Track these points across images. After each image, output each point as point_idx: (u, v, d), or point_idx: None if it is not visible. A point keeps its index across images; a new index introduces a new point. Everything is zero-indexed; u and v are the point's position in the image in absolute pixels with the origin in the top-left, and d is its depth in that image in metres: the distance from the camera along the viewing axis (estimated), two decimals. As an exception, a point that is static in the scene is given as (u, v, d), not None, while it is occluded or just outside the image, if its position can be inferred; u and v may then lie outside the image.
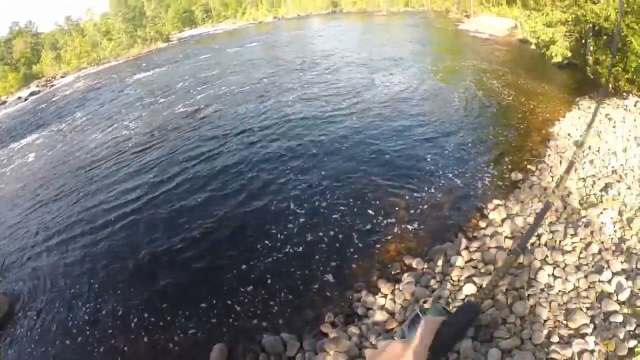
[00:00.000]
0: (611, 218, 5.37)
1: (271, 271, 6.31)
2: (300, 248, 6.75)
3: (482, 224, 6.32)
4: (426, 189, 7.77)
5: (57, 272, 7.62)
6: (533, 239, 5.43)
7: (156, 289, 6.48)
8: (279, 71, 20.84)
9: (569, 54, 11.48)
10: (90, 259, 7.73)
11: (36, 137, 20.13)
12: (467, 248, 5.64)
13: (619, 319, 3.78)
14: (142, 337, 5.62)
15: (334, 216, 7.41)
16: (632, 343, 3.47)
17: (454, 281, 5.08)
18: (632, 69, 8.69)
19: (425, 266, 5.62)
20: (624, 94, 9.40)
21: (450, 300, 4.75)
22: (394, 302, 5.03)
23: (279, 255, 6.66)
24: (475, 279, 4.90)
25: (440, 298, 4.79)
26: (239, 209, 8.17)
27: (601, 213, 5.49)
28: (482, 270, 5.08)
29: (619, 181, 6.20)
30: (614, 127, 8.11)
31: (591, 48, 9.67)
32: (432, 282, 5.18)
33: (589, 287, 4.35)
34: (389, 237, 6.58)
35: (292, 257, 6.59)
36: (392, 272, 5.78)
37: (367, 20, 43.97)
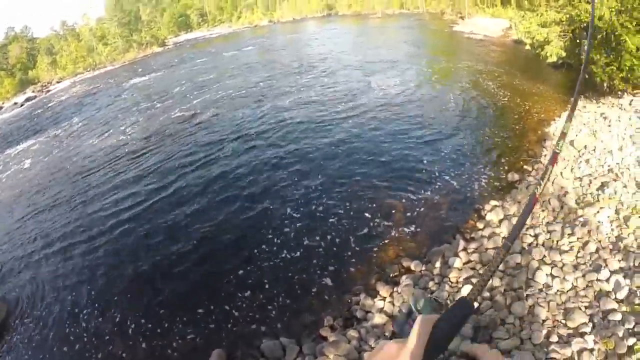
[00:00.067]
0: (608, 217, 5.38)
1: (269, 276, 6.29)
2: (298, 253, 6.72)
3: (480, 225, 6.33)
4: (423, 191, 7.77)
5: (55, 278, 7.58)
6: (530, 239, 5.44)
7: (154, 295, 6.45)
8: (276, 75, 20.86)
9: (564, 54, 11.55)
10: (88, 265, 7.70)
11: (32, 143, 20.05)
12: (464, 249, 5.64)
13: (618, 317, 3.79)
14: (141, 343, 5.58)
15: (330, 220, 7.40)
16: (632, 341, 3.48)
17: (452, 283, 5.08)
18: (627, 68, 8.74)
19: (424, 268, 5.62)
20: (619, 92, 9.45)
21: (449, 302, 4.75)
22: (393, 304, 5.03)
23: (276, 260, 6.64)
24: (473, 280, 4.91)
25: (438, 299, 4.79)
26: (236, 215, 8.15)
27: (598, 212, 5.51)
28: (480, 272, 5.08)
29: (615, 180, 6.22)
30: (609, 126, 8.15)
31: (585, 47, 9.71)
32: (431, 284, 5.18)
33: (587, 286, 4.36)
34: (386, 240, 6.58)
35: (289, 261, 6.57)
36: (391, 275, 5.77)
37: (362, 23, 44.11)
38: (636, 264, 4.38)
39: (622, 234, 5.04)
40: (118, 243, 8.13)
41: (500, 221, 6.06)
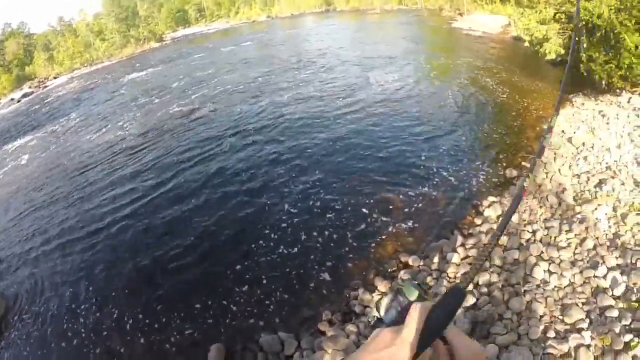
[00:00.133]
0: (605, 214, 5.41)
1: (266, 271, 6.30)
2: (295, 249, 6.73)
3: (478, 221, 6.35)
4: (421, 186, 7.78)
5: (53, 274, 7.58)
6: (528, 235, 5.47)
7: (152, 290, 6.45)
8: (274, 70, 20.79)
9: (563, 51, 11.52)
10: (86, 261, 7.69)
11: (30, 138, 19.98)
12: (462, 245, 5.67)
13: (615, 313, 3.81)
14: (139, 339, 5.60)
15: (328, 215, 7.40)
16: (628, 337, 3.50)
17: (450, 278, 5.10)
18: (625, 66, 8.73)
19: (422, 263, 5.65)
20: (617, 90, 9.44)
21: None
22: (389, 292, 5.03)
23: (273, 255, 6.65)
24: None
25: (437, 295, 4.81)
26: (234, 210, 8.15)
27: (595, 209, 5.53)
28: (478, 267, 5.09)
29: (613, 177, 6.24)
30: (607, 123, 8.16)
31: (584, 45, 9.71)
32: (429, 279, 5.20)
33: (584, 282, 4.38)
34: (384, 235, 6.59)
35: (287, 257, 6.59)
36: (389, 270, 5.79)
37: (360, 19, 43.98)
38: (633, 261, 4.41)
39: (619, 231, 5.06)
40: (116, 239, 8.12)
41: (498, 217, 6.09)
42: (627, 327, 3.64)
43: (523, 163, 7.89)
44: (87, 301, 6.61)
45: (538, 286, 4.49)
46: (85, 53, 56.91)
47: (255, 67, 22.53)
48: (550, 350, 3.60)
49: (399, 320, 0.78)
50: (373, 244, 6.45)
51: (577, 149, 7.56)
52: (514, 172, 7.55)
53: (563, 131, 8.40)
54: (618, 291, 4.09)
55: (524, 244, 5.28)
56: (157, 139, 13.32)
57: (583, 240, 5.03)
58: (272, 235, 7.13)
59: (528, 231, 5.52)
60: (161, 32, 65.51)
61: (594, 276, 4.37)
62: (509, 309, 4.26)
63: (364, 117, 11.67)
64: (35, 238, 9.13)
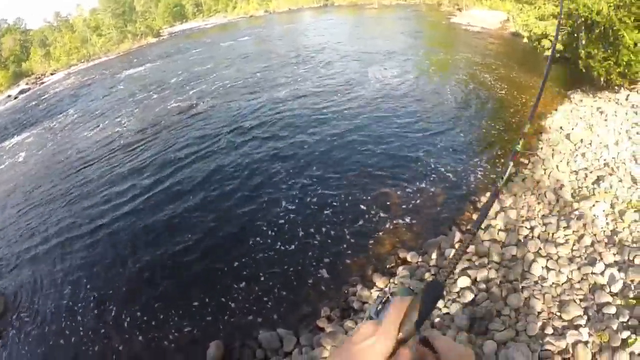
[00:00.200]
0: (603, 211, 5.42)
1: (265, 268, 6.31)
2: (293, 245, 6.75)
3: (476, 217, 6.35)
4: (419, 183, 7.79)
5: (51, 272, 7.57)
6: (526, 232, 5.49)
7: (151, 288, 6.46)
8: (272, 65, 20.71)
9: (562, 48, 11.54)
10: (83, 259, 7.69)
11: (27, 135, 19.90)
12: (460, 241, 5.67)
13: (612, 310, 3.83)
14: (138, 336, 5.61)
15: (326, 212, 7.41)
16: (625, 334, 3.52)
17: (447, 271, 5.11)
18: (624, 63, 8.74)
19: (420, 259, 5.66)
20: (616, 87, 9.46)
21: (445, 293, 4.79)
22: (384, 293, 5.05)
23: (271, 252, 6.66)
24: (469, 271, 4.94)
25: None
26: (231, 207, 8.14)
27: (593, 206, 5.55)
28: (477, 263, 5.12)
29: (610, 174, 6.26)
30: (605, 120, 8.17)
31: (583, 42, 9.72)
32: (427, 275, 5.22)
33: (582, 279, 4.40)
34: (383, 232, 6.61)
35: (285, 253, 6.60)
36: (387, 266, 5.81)
37: (358, 14, 43.79)
38: (631, 258, 4.43)
39: (617, 227, 5.08)
40: (114, 237, 8.11)
41: (497, 213, 6.09)
42: (624, 324, 3.65)
43: (521, 159, 7.89)
44: (85, 298, 6.61)
45: (536, 283, 4.50)
46: (82, 49, 56.58)
47: (253, 63, 22.44)
48: (548, 347, 3.62)
49: None
50: (371, 240, 6.46)
51: (575, 145, 7.57)
52: (512, 169, 7.55)
53: (561, 127, 8.42)
54: (615, 288, 4.11)
55: (522, 241, 5.30)
56: (155, 135, 13.28)
57: (581, 237, 5.05)
58: (270, 232, 7.13)
59: (526, 227, 5.54)
60: (158, 27, 65.11)
61: (592, 273, 4.39)
62: (507, 306, 4.28)
63: (363, 113, 11.65)
64: (33, 236, 9.11)
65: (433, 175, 7.99)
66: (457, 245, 5.55)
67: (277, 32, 37.77)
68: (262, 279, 6.10)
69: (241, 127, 12.28)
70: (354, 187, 7.96)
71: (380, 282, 5.37)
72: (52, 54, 57.26)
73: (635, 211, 5.21)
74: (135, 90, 22.31)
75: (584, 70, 9.71)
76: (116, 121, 16.67)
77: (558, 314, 4.02)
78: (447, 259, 5.39)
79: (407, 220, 6.80)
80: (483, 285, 4.68)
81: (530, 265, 4.72)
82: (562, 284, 4.42)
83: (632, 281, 4.12)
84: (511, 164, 1.26)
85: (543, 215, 5.76)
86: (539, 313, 4.09)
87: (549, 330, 3.83)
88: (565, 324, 3.88)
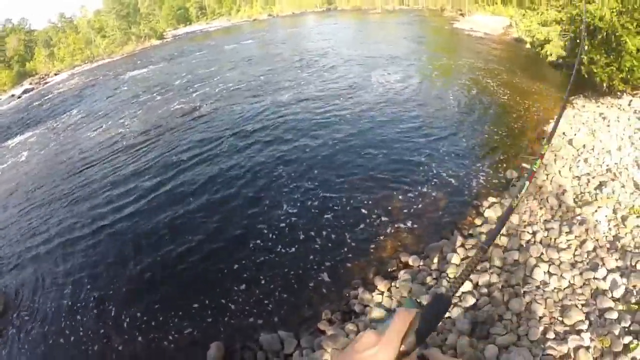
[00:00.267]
0: (606, 216, 5.42)
1: (266, 270, 6.31)
2: (295, 248, 6.73)
3: (478, 222, 6.37)
4: (421, 187, 7.79)
5: (52, 272, 7.58)
6: (528, 237, 5.49)
7: (151, 289, 6.47)
8: (276, 69, 20.77)
9: (564, 53, 11.56)
10: (85, 259, 7.70)
11: (30, 135, 19.96)
12: (462, 245, 5.68)
13: (614, 315, 3.83)
14: (138, 337, 5.60)
15: (328, 215, 7.41)
16: (627, 339, 3.52)
17: (450, 279, 5.11)
18: (626, 69, 8.76)
19: (422, 263, 5.66)
20: (618, 93, 9.46)
21: (450, 308, 4.79)
22: (391, 299, 5.06)
23: (273, 255, 6.65)
24: (471, 275, 4.94)
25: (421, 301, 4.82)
26: (232, 210, 8.14)
27: (596, 211, 5.55)
28: (478, 268, 5.11)
29: (613, 179, 6.26)
30: (608, 125, 8.18)
31: (586, 47, 9.73)
32: (429, 279, 5.22)
33: (584, 284, 4.40)
34: (384, 235, 6.60)
35: (286, 256, 6.59)
36: (389, 270, 5.81)
37: (362, 18, 43.91)
38: (633, 264, 4.43)
39: (619, 233, 5.08)
40: (115, 238, 8.12)
41: (499, 218, 6.09)
42: (626, 329, 3.65)
43: (524, 164, 7.86)
44: (86, 298, 6.62)
45: (538, 287, 4.50)
46: (86, 50, 56.85)
47: (256, 66, 22.51)
48: (549, 352, 3.61)
49: None
50: (373, 244, 6.46)
51: (577, 150, 7.57)
52: (514, 174, 7.56)
53: (564, 133, 8.41)
54: (617, 293, 4.11)
55: (524, 245, 5.30)
56: (158, 137, 13.31)
57: (583, 242, 5.05)
58: (272, 235, 7.13)
59: (528, 232, 5.54)
60: (162, 30, 65.34)
61: (594, 278, 4.39)
62: (508, 310, 4.27)
63: (365, 118, 11.67)
64: (35, 235, 9.13)
65: (435, 180, 7.99)
66: (460, 251, 5.55)
67: (281, 36, 37.90)
68: (263, 281, 6.10)
69: (244, 130, 12.31)
70: (355, 191, 7.96)
71: (381, 285, 5.37)
72: (56, 55, 57.52)
73: (637, 217, 5.21)
74: (138, 91, 22.38)
75: (586, 76, 9.71)
76: (119, 122, 16.72)
77: (560, 318, 4.01)
78: (448, 262, 5.39)
79: (409, 224, 6.80)
80: (485, 290, 4.68)
81: (532, 270, 4.72)
82: (564, 289, 4.42)
83: (634, 286, 4.12)
84: (527, 183, 1.26)
85: (545, 220, 5.76)
86: (541, 318, 4.09)
87: (551, 335, 3.83)
88: (567, 328, 3.88)
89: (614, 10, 8.78)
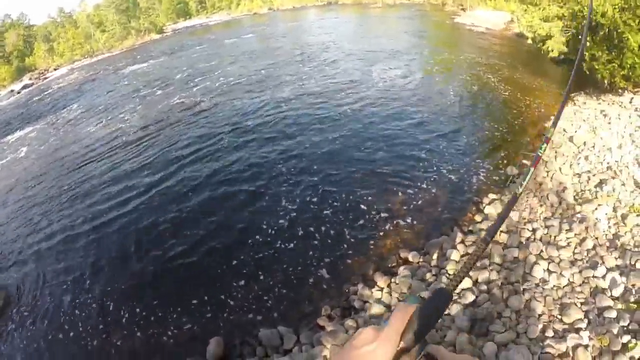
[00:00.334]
0: (606, 214, 5.41)
1: (266, 266, 6.32)
2: (295, 244, 6.74)
3: (478, 218, 6.37)
4: (421, 183, 7.78)
5: (51, 268, 7.60)
6: (528, 234, 5.48)
7: (151, 285, 6.48)
8: (276, 63, 20.70)
9: (566, 50, 11.49)
10: (84, 255, 7.71)
11: (30, 130, 19.94)
12: (462, 242, 5.68)
13: (613, 314, 3.83)
14: (138, 332, 5.62)
15: (327, 211, 7.41)
16: (626, 338, 3.52)
17: (449, 275, 5.12)
18: (628, 66, 8.71)
19: (421, 259, 5.66)
20: (620, 90, 9.43)
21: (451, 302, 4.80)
22: (391, 295, 5.07)
23: (271, 251, 6.66)
24: (470, 272, 4.93)
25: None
26: (231, 205, 8.15)
27: (596, 209, 5.54)
28: (478, 264, 5.11)
29: (613, 177, 6.24)
30: (609, 123, 8.15)
31: (587, 44, 9.68)
32: (428, 275, 5.22)
33: (583, 282, 4.40)
34: (384, 231, 6.61)
35: (286, 252, 6.60)
36: (388, 266, 5.82)
37: (363, 13, 43.71)
38: (632, 262, 4.42)
39: (619, 231, 5.07)
40: (115, 234, 8.12)
41: (499, 215, 6.06)
42: (625, 328, 3.65)
43: (524, 161, 7.89)
44: (85, 294, 6.63)
45: (537, 285, 4.50)
46: (85, 44, 56.65)
47: (257, 60, 22.44)
48: (548, 350, 3.62)
49: None
50: (372, 240, 6.47)
51: (578, 148, 7.55)
52: (515, 170, 7.55)
53: (564, 130, 8.39)
54: (617, 292, 4.11)
55: (524, 243, 5.29)
56: (158, 132, 13.29)
57: (583, 240, 5.04)
58: (271, 231, 7.13)
59: (528, 229, 5.53)
60: (162, 24, 65.18)
61: (593, 276, 4.39)
62: (508, 307, 4.28)
63: (366, 113, 11.64)
64: (34, 231, 9.15)
65: (435, 176, 7.98)
66: (459, 247, 5.55)
67: (281, 30, 37.74)
68: (263, 277, 6.11)
69: (244, 125, 12.29)
70: (355, 186, 7.96)
71: (381, 281, 5.38)
72: (55, 50, 57.34)
73: (637, 215, 5.20)
74: (139, 86, 22.34)
75: (587, 73, 9.67)
76: (120, 117, 16.69)
77: (559, 316, 4.02)
78: (447, 259, 5.39)
79: (409, 220, 6.80)
80: (484, 287, 4.68)
81: (532, 268, 4.72)
82: (564, 286, 4.42)
83: (633, 285, 4.12)
84: (532, 169, 1.21)
85: (545, 218, 5.75)
86: (540, 315, 4.09)
87: (550, 333, 3.83)
88: (566, 327, 3.88)
89: (617, 6, 8.72)
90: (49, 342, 5.89)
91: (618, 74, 9.00)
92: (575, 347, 3.57)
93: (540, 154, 1.33)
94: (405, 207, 7.15)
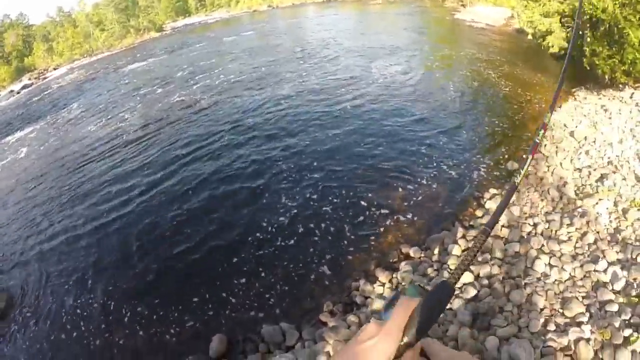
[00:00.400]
0: (607, 208, 5.42)
1: (266, 264, 6.32)
2: (296, 241, 6.74)
3: (479, 213, 6.38)
4: (421, 179, 7.78)
5: (52, 268, 7.61)
6: (529, 228, 5.49)
7: (152, 283, 6.49)
8: (276, 60, 20.67)
9: (566, 45, 11.46)
10: (85, 255, 7.72)
11: (29, 131, 19.92)
12: (464, 236, 5.68)
13: (615, 308, 3.83)
14: (140, 331, 5.63)
15: (328, 207, 7.40)
16: (627, 332, 3.52)
17: (451, 269, 5.13)
18: (629, 61, 8.70)
19: (423, 255, 5.68)
20: (620, 85, 9.42)
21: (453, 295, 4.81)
22: (392, 290, 5.08)
23: (271, 248, 6.66)
24: (472, 267, 4.95)
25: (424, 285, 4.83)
26: (231, 203, 8.14)
27: (597, 203, 5.54)
28: (479, 259, 5.12)
29: (614, 172, 6.24)
30: (609, 118, 8.15)
31: (588, 39, 9.66)
32: (430, 270, 5.23)
33: (584, 276, 4.40)
34: (385, 227, 6.61)
35: (287, 249, 6.60)
36: (390, 261, 5.82)
37: (362, 9, 43.57)
38: (634, 256, 4.43)
39: (620, 226, 5.08)
40: (116, 234, 8.12)
41: (498, 205, 6.06)
42: (626, 322, 3.66)
43: (524, 156, 7.86)
44: (87, 294, 6.64)
45: (539, 279, 4.51)
46: (84, 44, 56.59)
47: (257, 58, 22.40)
48: (550, 343, 3.62)
49: None
50: (374, 236, 6.47)
51: (579, 143, 7.56)
52: (516, 165, 7.55)
53: (565, 125, 8.39)
54: (618, 286, 4.11)
55: (525, 237, 5.30)
56: (159, 131, 13.29)
57: (584, 234, 5.05)
58: (272, 228, 7.13)
59: (529, 224, 5.54)
60: (161, 22, 65.04)
61: (595, 270, 4.39)
62: (509, 302, 4.28)
63: (366, 109, 11.63)
64: (35, 232, 9.14)
65: (436, 171, 7.98)
66: (461, 242, 5.56)
67: (281, 27, 37.69)
68: (265, 274, 6.12)
69: (244, 122, 12.28)
70: (356, 183, 7.96)
71: (383, 276, 5.39)
72: (55, 49, 57.29)
73: (638, 209, 5.20)
74: (138, 84, 22.31)
75: (588, 68, 9.65)
76: (120, 116, 16.68)
77: (560, 310, 4.02)
78: (449, 254, 5.40)
79: (410, 215, 6.81)
80: (486, 281, 4.69)
81: (533, 262, 4.73)
82: (565, 281, 4.43)
83: (634, 279, 4.12)
84: (530, 157, 1.22)
85: (546, 212, 5.76)
86: (542, 310, 4.10)
87: (551, 327, 3.84)
88: (568, 320, 3.89)
89: (617, 2, 8.70)
90: (51, 342, 5.90)
91: (619, 69, 8.99)
92: (577, 341, 3.58)
93: (537, 141, 1.34)
94: (406, 203, 7.16)
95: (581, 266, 4.50)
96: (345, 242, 6.48)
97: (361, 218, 6.95)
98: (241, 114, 13.15)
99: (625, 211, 5.26)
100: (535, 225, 5.48)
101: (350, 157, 9.00)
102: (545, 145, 7.87)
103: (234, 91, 16.12)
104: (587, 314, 3.88)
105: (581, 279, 4.37)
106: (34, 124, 21.02)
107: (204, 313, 5.66)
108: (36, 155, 15.15)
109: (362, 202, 7.34)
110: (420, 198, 7.24)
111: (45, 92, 31.30)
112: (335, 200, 7.56)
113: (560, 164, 6.94)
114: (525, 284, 4.46)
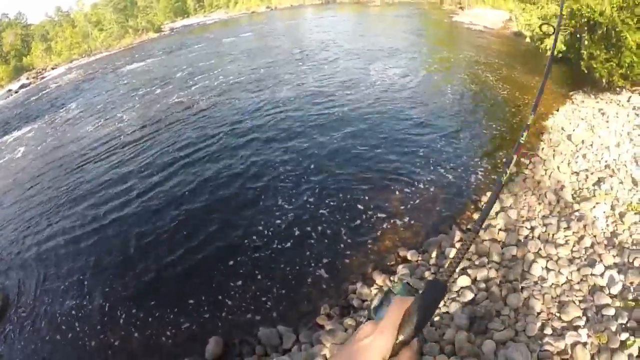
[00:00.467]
0: (604, 212, 5.43)
1: (263, 267, 6.31)
2: (293, 244, 6.73)
3: (476, 217, 6.33)
4: (419, 182, 7.79)
5: (49, 269, 7.57)
6: (526, 232, 5.50)
7: (149, 285, 6.47)
8: (275, 62, 20.68)
9: (564, 48, 11.51)
10: (82, 256, 7.68)
11: (27, 130, 19.86)
12: (461, 240, 5.69)
13: (611, 312, 3.85)
14: (137, 333, 5.61)
15: (325, 211, 7.40)
16: (624, 336, 3.53)
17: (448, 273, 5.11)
18: (626, 65, 8.74)
19: (420, 258, 5.67)
20: (618, 89, 9.45)
21: (446, 293, 4.81)
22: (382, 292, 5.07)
23: (268, 251, 6.65)
24: (469, 270, 4.96)
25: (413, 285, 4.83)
26: (228, 205, 8.13)
27: (594, 207, 5.56)
28: (477, 263, 5.13)
29: (611, 176, 6.26)
30: (607, 121, 8.17)
31: (586, 42, 9.70)
32: (427, 273, 5.23)
33: (581, 280, 4.41)
34: (383, 230, 6.61)
35: (284, 252, 6.59)
36: (387, 264, 5.83)
37: (361, 11, 43.69)
38: (630, 260, 4.44)
39: (617, 229, 5.09)
40: (112, 235, 8.09)
41: (497, 213, 6.10)
42: (623, 326, 3.67)
43: (522, 159, 7.90)
44: (84, 295, 6.61)
45: (536, 283, 4.52)
46: (83, 43, 56.49)
47: (255, 59, 22.40)
48: (547, 347, 3.63)
49: None
50: (371, 239, 6.47)
51: (576, 146, 7.58)
52: (513, 168, 7.55)
53: (563, 128, 8.41)
54: (615, 290, 4.12)
55: (522, 241, 5.31)
56: (157, 132, 13.25)
57: (581, 238, 5.07)
58: (269, 231, 7.12)
59: (526, 227, 5.55)
60: (160, 23, 64.96)
61: (591, 274, 4.40)
62: (506, 305, 4.29)
63: (364, 112, 11.63)
64: (32, 232, 9.10)
65: (433, 175, 7.99)
66: (457, 245, 5.56)
67: (279, 29, 37.73)
68: (261, 277, 6.11)
69: (242, 124, 12.27)
70: (353, 186, 7.96)
71: (380, 280, 5.39)
72: (53, 49, 57.15)
73: (635, 213, 5.22)
74: (137, 85, 22.28)
75: (586, 71, 9.69)
76: (118, 117, 16.64)
77: (557, 314, 4.03)
78: (446, 257, 5.41)
79: (407, 219, 6.81)
80: (483, 285, 4.70)
81: (530, 266, 4.74)
82: (562, 284, 4.44)
83: (631, 283, 4.14)
84: (515, 157, 1.25)
85: (543, 216, 5.77)
86: (539, 313, 4.11)
87: (548, 331, 3.85)
88: (565, 324, 3.90)
89: (615, 5, 8.73)
90: (47, 343, 5.88)
91: (616, 72, 9.03)
92: (573, 345, 3.59)
93: (521, 142, 1.38)
94: (403, 206, 7.16)
95: (578, 270, 4.52)
96: (343, 245, 6.47)
97: (359, 221, 6.95)
98: (240, 115, 13.13)
99: (622, 215, 5.27)
100: (532, 228, 5.50)
101: (348, 159, 9.00)
102: (543, 149, 7.89)
103: (233, 93, 16.11)
104: (584, 318, 3.89)
105: (578, 283, 4.39)
106: (32, 123, 20.96)
107: (200, 315, 5.64)
108: (34, 155, 15.10)
109: (360, 205, 7.33)
110: (417, 201, 7.24)
111: (44, 92, 31.23)
112: (332, 203, 7.55)
113: (558, 167, 6.96)
114: (522, 287, 4.47)
